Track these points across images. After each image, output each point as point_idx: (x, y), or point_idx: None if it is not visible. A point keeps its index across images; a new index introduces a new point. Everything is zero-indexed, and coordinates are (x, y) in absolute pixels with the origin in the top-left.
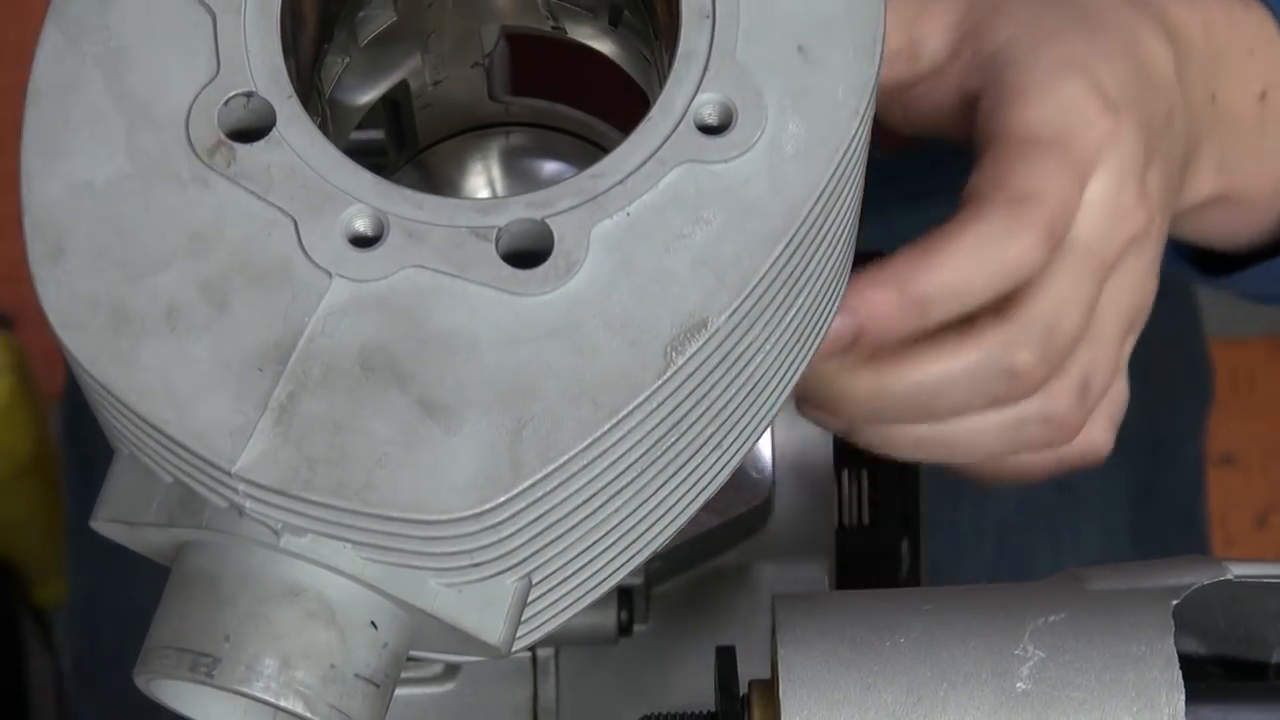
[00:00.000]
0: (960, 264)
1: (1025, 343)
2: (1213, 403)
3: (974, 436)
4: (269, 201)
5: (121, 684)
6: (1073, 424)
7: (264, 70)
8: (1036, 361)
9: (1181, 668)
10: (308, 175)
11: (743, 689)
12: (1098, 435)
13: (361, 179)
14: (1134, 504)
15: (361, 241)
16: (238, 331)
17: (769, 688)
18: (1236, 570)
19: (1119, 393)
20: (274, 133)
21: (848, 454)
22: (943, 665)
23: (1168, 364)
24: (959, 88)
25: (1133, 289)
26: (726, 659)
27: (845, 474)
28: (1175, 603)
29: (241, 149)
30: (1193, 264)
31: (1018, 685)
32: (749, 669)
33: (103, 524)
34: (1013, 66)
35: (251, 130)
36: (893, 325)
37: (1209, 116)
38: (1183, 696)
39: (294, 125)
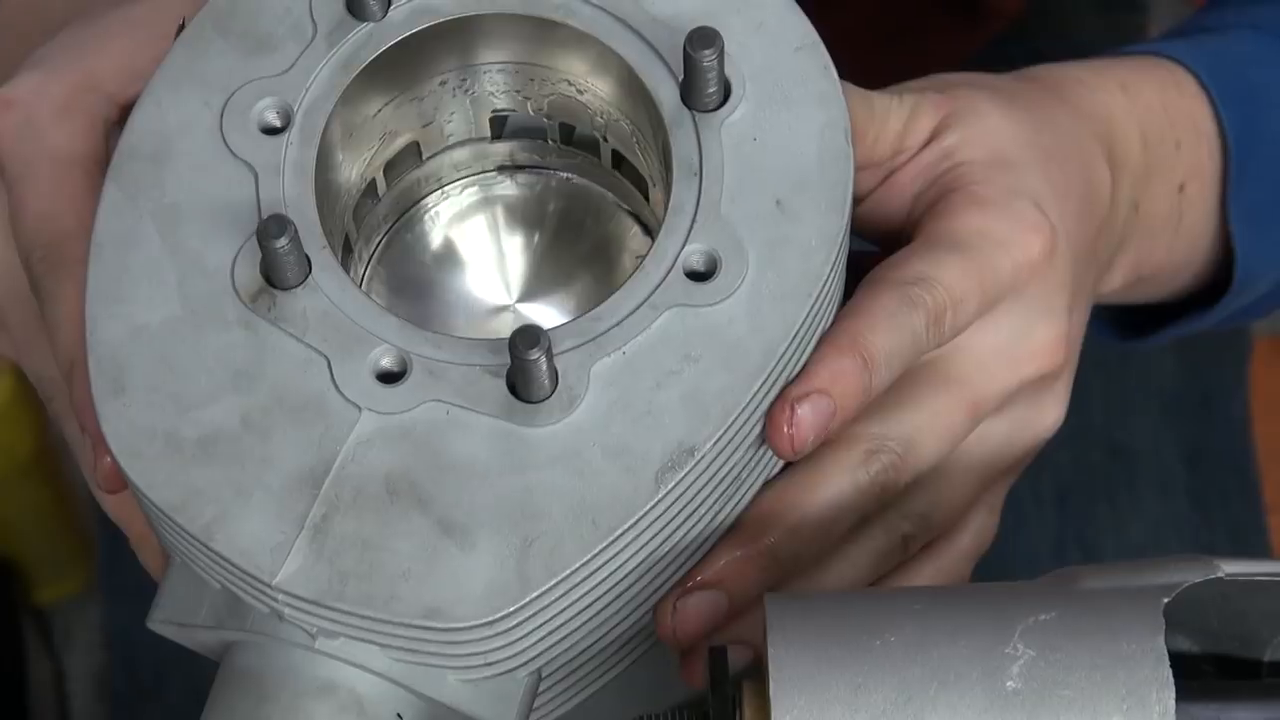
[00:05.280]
0: (877, 326)
1: (884, 451)
2: (1253, 354)
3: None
4: (305, 342)
5: (160, 717)
6: (912, 549)
7: (301, 223)
8: (889, 471)
9: (1174, 666)
10: (339, 319)
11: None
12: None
13: (387, 322)
14: (1187, 462)
15: (388, 378)
16: (278, 459)
17: (760, 687)
18: (1228, 569)
19: (972, 538)
20: (310, 280)
21: None
22: (933, 664)
23: None
24: (913, 197)
25: (1016, 431)
26: (718, 659)
27: None
28: (1166, 601)
29: (281, 295)
30: (1110, 324)
31: (1008, 684)
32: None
33: (158, 624)
34: (964, 186)
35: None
36: (854, 388)
37: (1131, 222)
38: (1173, 695)
39: (327, 273)
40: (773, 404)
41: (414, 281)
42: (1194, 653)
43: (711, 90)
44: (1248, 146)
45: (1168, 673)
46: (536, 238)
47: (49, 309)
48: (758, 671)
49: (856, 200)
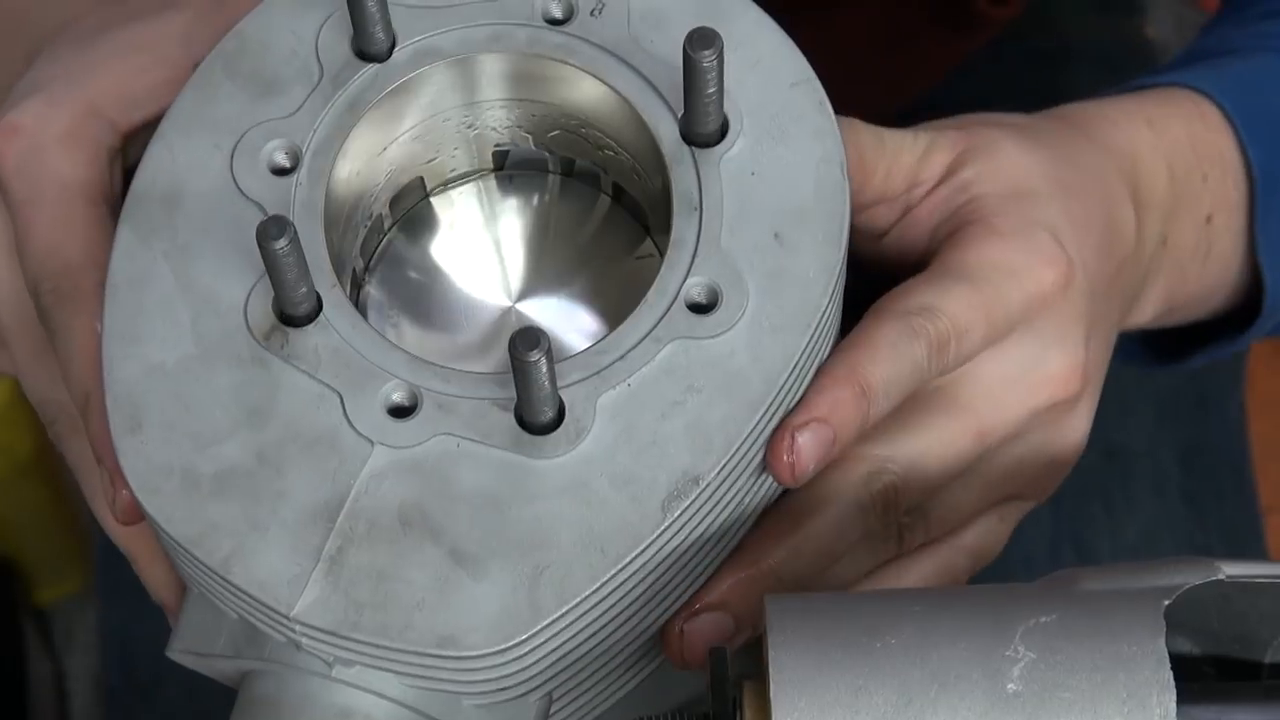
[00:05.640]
0: (878, 357)
1: (886, 472)
2: (1249, 355)
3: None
4: (318, 379)
5: (158, 717)
6: (909, 542)
7: (311, 262)
8: (891, 492)
9: (1174, 668)
10: (350, 355)
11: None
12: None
13: (397, 358)
14: (1182, 463)
15: (399, 412)
16: (293, 493)
17: (761, 689)
18: (1228, 570)
19: (975, 539)
20: (321, 317)
21: None
22: (933, 666)
23: None
24: (932, 230)
25: (1029, 455)
26: (718, 660)
27: None
28: (1167, 603)
29: (293, 333)
30: (1141, 347)
31: (1008, 686)
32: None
33: (178, 654)
34: (982, 217)
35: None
36: (852, 417)
37: (1159, 257)
38: (1174, 697)
39: (338, 310)
40: (773, 433)
41: (414, 284)
42: (1194, 655)
43: (711, 108)
44: (1273, 176)
45: (1168, 675)
46: (536, 239)
47: (60, 342)
48: (758, 673)
49: (878, 235)
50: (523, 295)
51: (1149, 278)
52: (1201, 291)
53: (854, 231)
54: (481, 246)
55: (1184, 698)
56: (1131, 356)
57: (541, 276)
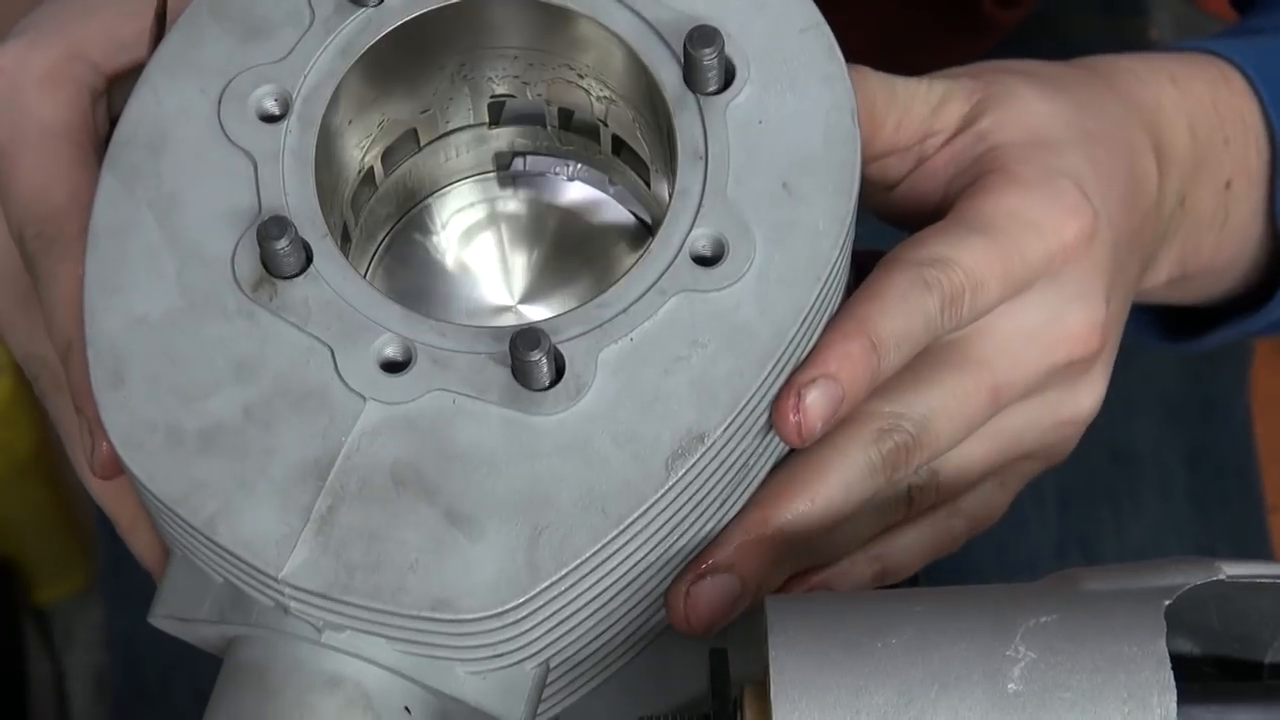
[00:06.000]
0: (888, 310)
1: (898, 430)
2: (1254, 357)
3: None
4: (308, 332)
5: (164, 719)
6: (920, 504)
7: (301, 211)
8: (902, 451)
9: (1175, 668)
10: (342, 308)
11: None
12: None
13: (390, 310)
14: (1188, 465)
15: (392, 367)
16: (281, 450)
17: (761, 690)
18: (1229, 570)
19: (975, 503)
20: (311, 269)
21: None
22: (934, 667)
23: None
24: (947, 182)
25: (1043, 414)
26: (719, 661)
27: None
28: (1167, 603)
29: (282, 284)
30: (1155, 325)
31: (1009, 686)
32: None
33: (160, 619)
34: (1002, 166)
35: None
36: (862, 373)
37: (1177, 217)
38: (1174, 697)
39: (329, 262)
40: (779, 391)
41: (415, 284)
42: (1195, 655)
43: (712, 85)
44: None
45: (1169, 675)
46: (538, 238)
47: (44, 288)
48: (759, 673)
49: (889, 186)
50: (525, 296)
51: (1166, 238)
52: (1217, 262)
53: (864, 183)
54: (484, 247)
55: (1184, 698)
56: (1144, 330)
57: (544, 277)
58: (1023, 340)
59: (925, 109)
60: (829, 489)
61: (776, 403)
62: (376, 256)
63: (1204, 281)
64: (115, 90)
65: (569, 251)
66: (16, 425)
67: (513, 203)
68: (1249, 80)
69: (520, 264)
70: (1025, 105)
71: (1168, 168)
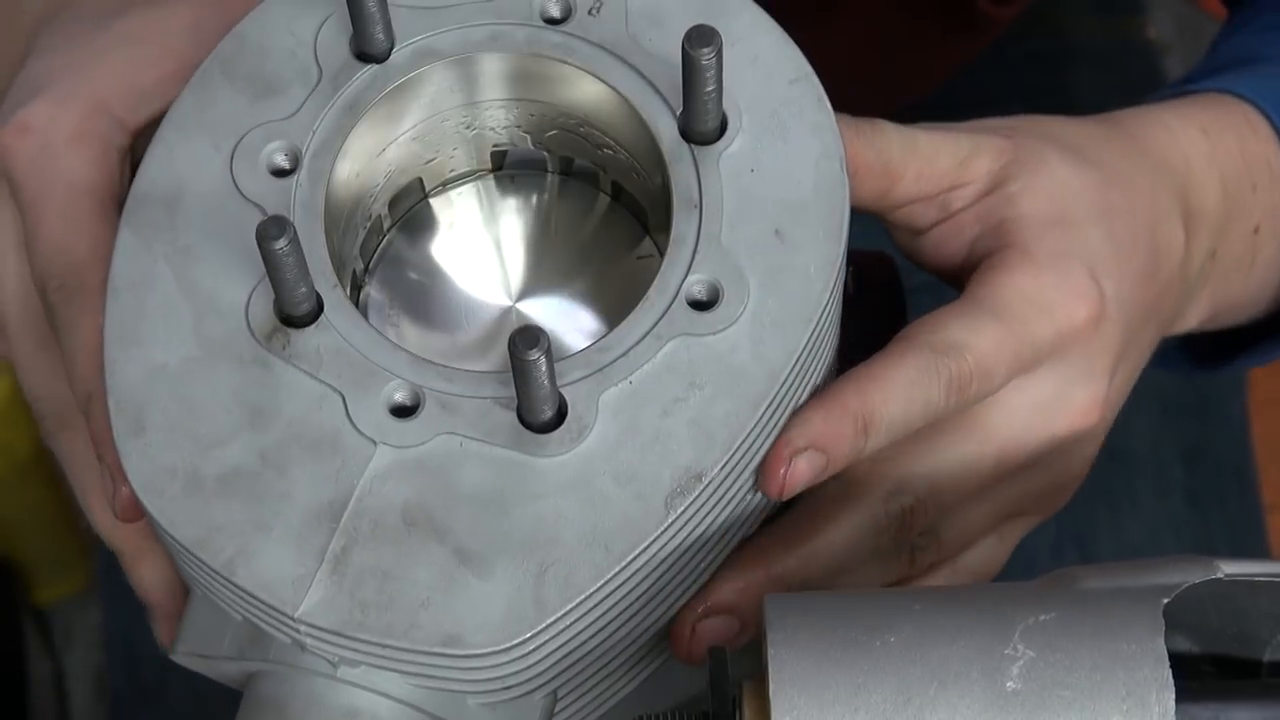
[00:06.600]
0: (891, 395)
1: (905, 494)
2: None
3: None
4: (320, 379)
5: (161, 718)
6: (920, 563)
7: (312, 263)
8: (909, 515)
9: (1173, 666)
10: (353, 355)
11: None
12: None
13: (399, 358)
14: (1185, 464)
15: (401, 412)
16: (296, 494)
17: (760, 687)
18: (1227, 569)
19: (977, 561)
20: (322, 318)
21: None
22: (933, 665)
23: None
24: (972, 241)
25: (1041, 476)
26: (718, 659)
27: None
28: (1166, 602)
29: (294, 333)
30: (1182, 354)
31: (1008, 684)
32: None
33: (181, 656)
34: (1020, 242)
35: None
36: (849, 451)
37: (1206, 269)
38: (1173, 695)
39: (339, 311)
40: (769, 451)
41: (414, 284)
42: (1193, 653)
43: (710, 106)
44: None
45: (1167, 673)
46: (536, 237)
47: (65, 339)
48: (758, 671)
49: (916, 231)
50: (523, 295)
51: (1193, 293)
52: (1245, 298)
53: (893, 227)
54: (481, 246)
55: (1183, 696)
56: (1172, 362)
57: (542, 276)
58: (1029, 412)
59: (951, 161)
60: (833, 542)
61: (768, 460)
62: (375, 259)
63: (1231, 315)
64: (138, 141)
65: (567, 249)
66: (16, 425)
67: (510, 198)
68: (1272, 125)
69: (518, 263)
70: (1052, 174)
71: (1197, 228)
